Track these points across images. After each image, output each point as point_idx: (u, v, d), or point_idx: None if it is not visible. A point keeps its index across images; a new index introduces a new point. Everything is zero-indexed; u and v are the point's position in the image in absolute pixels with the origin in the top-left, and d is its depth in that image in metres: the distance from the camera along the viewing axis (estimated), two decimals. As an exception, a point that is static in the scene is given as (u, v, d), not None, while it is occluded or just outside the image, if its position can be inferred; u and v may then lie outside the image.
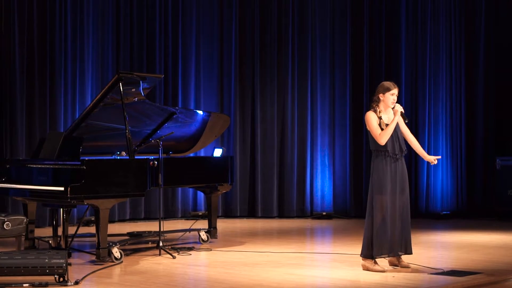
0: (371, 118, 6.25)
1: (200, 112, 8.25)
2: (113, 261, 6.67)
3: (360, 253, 6.33)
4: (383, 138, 6.19)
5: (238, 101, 11.23)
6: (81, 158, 6.62)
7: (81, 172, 6.50)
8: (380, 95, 6.29)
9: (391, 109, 6.32)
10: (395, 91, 6.27)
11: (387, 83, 6.33)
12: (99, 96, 7.10)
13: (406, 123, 6.35)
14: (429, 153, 11.06)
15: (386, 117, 6.28)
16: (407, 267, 6.34)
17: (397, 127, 6.28)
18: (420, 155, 6.56)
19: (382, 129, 6.20)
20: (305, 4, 11.32)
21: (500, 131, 11.31)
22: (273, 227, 10.14)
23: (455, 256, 7.31)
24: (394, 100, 6.26)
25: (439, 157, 6.63)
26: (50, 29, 9.70)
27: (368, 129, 6.27)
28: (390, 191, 6.20)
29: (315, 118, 11.32)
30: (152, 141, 7.44)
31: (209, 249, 7.65)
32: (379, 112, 6.28)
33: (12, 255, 5.68)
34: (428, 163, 10.99)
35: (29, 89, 9.57)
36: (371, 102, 6.34)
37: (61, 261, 5.58)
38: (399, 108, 6.26)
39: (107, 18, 10.30)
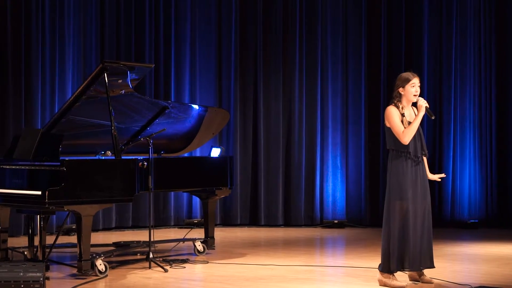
0: (392, 113, 6.22)
1: (196, 106, 8.28)
2: (97, 275, 6.67)
3: (378, 266, 6.31)
4: (406, 136, 6.16)
5: (239, 94, 11.21)
6: (61, 158, 6.62)
7: (61, 174, 6.50)
8: (400, 89, 6.27)
9: (412, 105, 6.30)
10: (415, 81, 6.26)
11: (405, 74, 6.31)
12: (81, 88, 7.10)
13: (432, 120, 6.34)
14: (454, 154, 11.09)
15: (409, 114, 6.26)
16: (429, 282, 6.34)
17: (419, 126, 6.26)
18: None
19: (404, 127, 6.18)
20: (315, -16, 11.32)
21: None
22: (278, 236, 10.15)
23: (484, 271, 7.30)
24: (416, 92, 6.24)
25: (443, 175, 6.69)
26: (25, 11, 9.68)
27: (389, 125, 6.23)
28: (411, 196, 6.18)
29: (326, 113, 11.30)
30: (142, 139, 7.45)
31: (206, 262, 7.67)
32: (402, 108, 6.25)
33: (-18, 268, 5.67)
34: (453, 164, 11.04)
35: (1, 78, 9.56)
36: (391, 99, 6.31)
37: (38, 274, 5.58)
38: (424, 103, 6.22)
39: (90, 0, 10.29)
